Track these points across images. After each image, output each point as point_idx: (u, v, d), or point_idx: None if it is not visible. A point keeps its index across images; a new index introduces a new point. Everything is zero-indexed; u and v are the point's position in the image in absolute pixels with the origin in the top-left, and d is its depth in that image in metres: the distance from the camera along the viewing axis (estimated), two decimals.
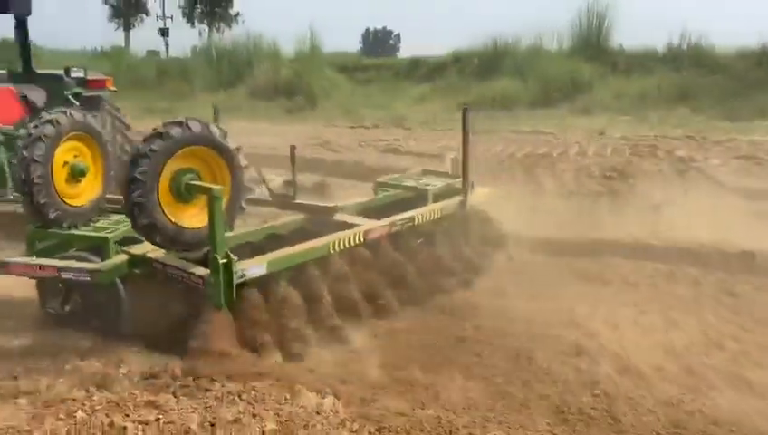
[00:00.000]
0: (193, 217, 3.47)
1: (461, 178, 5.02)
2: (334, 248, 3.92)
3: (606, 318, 4.15)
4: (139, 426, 2.74)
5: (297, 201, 4.56)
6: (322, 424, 2.80)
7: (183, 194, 3.41)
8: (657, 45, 18.68)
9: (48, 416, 2.80)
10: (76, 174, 4.06)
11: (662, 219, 6.38)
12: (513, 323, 4.03)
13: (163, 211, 3.33)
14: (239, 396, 2.99)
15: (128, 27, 40.35)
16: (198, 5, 40.83)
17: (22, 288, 4.06)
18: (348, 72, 21.71)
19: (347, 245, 3.99)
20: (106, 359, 3.38)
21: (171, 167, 3.34)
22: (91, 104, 5.75)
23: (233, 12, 41.46)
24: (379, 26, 56.51)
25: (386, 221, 4.36)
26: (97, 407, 2.89)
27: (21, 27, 6.07)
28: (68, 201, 4.00)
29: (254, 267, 3.44)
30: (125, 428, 2.72)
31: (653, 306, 4.40)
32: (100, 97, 5.93)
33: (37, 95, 5.56)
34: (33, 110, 5.34)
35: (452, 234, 4.87)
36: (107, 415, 2.81)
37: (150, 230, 3.34)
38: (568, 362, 3.51)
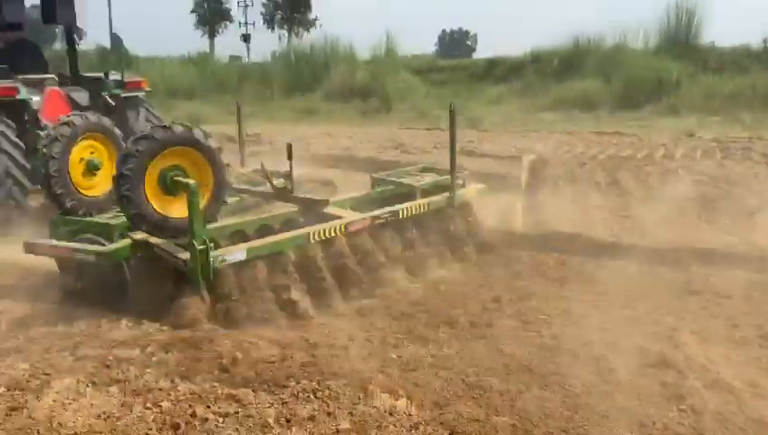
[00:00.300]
0: (179, 209, 3.88)
1: (450, 175, 5.24)
2: (314, 238, 4.25)
3: (694, 330, 3.92)
4: (220, 418, 2.84)
5: (294, 195, 4.87)
6: (395, 426, 2.79)
7: (170, 188, 3.87)
8: (752, 42, 17.54)
9: (136, 404, 2.95)
10: (91, 168, 4.65)
11: (758, 227, 5.97)
12: (594, 331, 3.88)
13: (149, 203, 3.79)
14: (314, 394, 3.03)
15: (212, 34, 42.18)
16: (279, 11, 42.07)
17: None
18: (423, 73, 21.72)
19: (327, 235, 4.31)
20: (186, 352, 3.53)
21: (158, 165, 3.82)
22: (128, 103, 6.28)
23: (311, 16, 42.50)
24: (456, 27, 56.22)
25: (368, 215, 4.63)
26: (181, 397, 3.02)
27: (68, 35, 6.54)
28: (84, 192, 4.62)
29: (235, 253, 3.89)
30: (206, 419, 2.82)
31: (746, 319, 4.11)
32: (137, 96, 6.39)
33: (81, 96, 6.04)
34: (77, 108, 5.78)
35: (440, 226, 5.15)
36: (190, 406, 2.92)
37: (138, 219, 3.83)
38: (652, 375, 3.34)
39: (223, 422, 2.81)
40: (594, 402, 3.06)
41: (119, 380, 3.19)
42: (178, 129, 3.89)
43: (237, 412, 2.87)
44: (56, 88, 5.95)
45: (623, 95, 16.20)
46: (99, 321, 3.97)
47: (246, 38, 39.79)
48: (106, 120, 4.87)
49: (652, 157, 9.81)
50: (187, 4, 43.29)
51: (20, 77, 5.72)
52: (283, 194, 4.92)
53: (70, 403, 2.93)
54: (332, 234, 4.35)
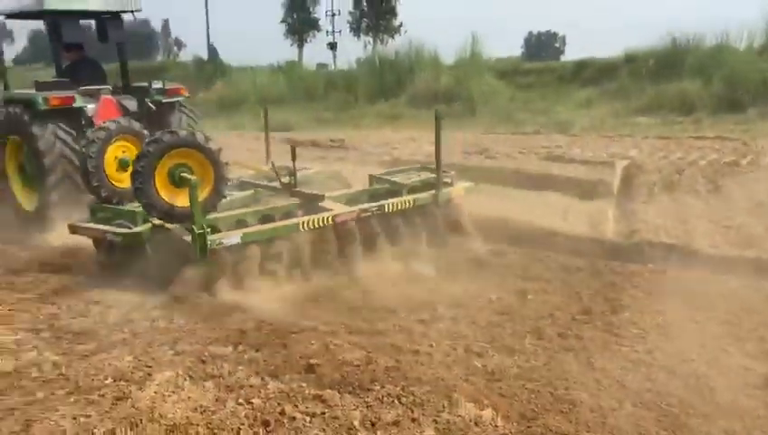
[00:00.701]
0: (184, 200, 4.47)
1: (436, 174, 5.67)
2: (304, 227, 4.80)
3: None
4: (307, 417, 2.91)
5: (296, 189, 5.44)
6: None
7: (178, 182, 4.48)
8: None
9: (229, 399, 3.08)
10: (123, 165, 5.56)
11: None
12: (693, 348, 3.66)
13: (159, 194, 4.45)
14: (398, 399, 3.05)
15: (301, 43, 43.46)
16: (365, 19, 42.75)
17: None
18: (508, 77, 21.34)
19: (316, 225, 4.84)
20: (275, 352, 3.64)
21: (167, 163, 4.48)
22: (168, 107, 7.02)
23: (396, 23, 42.82)
24: (543, 29, 54.88)
25: (356, 208, 5.15)
26: (270, 395, 3.12)
27: (120, 50, 7.30)
28: (117, 185, 5.52)
29: (231, 238, 4.50)
30: (294, 417, 2.90)
31: None
32: (177, 101, 7.11)
33: (130, 102, 6.82)
34: (126, 113, 6.58)
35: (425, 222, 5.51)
36: (278, 404, 3.02)
37: (149, 208, 4.54)
38: (757, 397, 3.11)
39: (310, 422, 2.88)
40: (693, 424, 2.88)
41: (213, 375, 3.35)
42: (183, 133, 4.62)
43: (324, 413, 2.93)
44: (109, 96, 6.72)
45: (725, 97, 15.19)
46: (196, 319, 4.19)
47: (333, 46, 40.66)
48: (136, 124, 5.79)
49: (757, 163, 9.13)
50: (277, 15, 44.88)
51: (81, 88, 6.52)
52: (288, 189, 5.47)
53: (169, 395, 3.10)
54: (321, 224, 4.87)
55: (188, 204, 4.38)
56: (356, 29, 43.14)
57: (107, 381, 3.27)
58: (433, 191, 5.60)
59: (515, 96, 19.37)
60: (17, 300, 4.59)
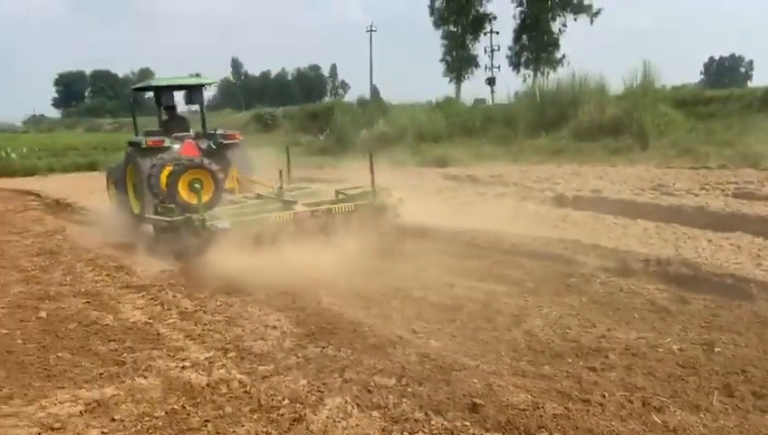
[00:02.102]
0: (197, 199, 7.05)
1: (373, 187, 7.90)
2: (275, 219, 7.09)
3: None
4: None
5: (283, 198, 7.67)
6: None
7: (193, 190, 7.11)
8: None
9: (395, 431, 3.15)
10: (193, 188, 7.22)
11: None
12: None
13: (181, 197, 7.25)
14: None
15: (459, 80, 44.18)
16: (525, 53, 42.43)
17: None
18: (686, 106, 19.75)
19: (283, 219, 7.12)
20: (438, 387, 3.65)
21: (186, 178, 7.32)
22: (228, 147, 9.33)
23: (558, 55, 41.93)
24: (726, 54, 50.21)
25: (311, 209, 7.43)
26: (434, 431, 3.14)
27: (201, 110, 10.14)
28: (187, 200, 7.28)
29: (223, 222, 6.72)
30: None
31: None
32: (234, 143, 9.42)
33: (204, 144, 9.28)
34: (201, 152, 8.94)
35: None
36: None
37: (176, 204, 7.27)
38: None
39: None
40: None
41: (379, 405, 3.45)
42: (197, 160, 7.68)
43: None
44: (191, 140, 9.30)
45: None
46: (361, 350, 4.36)
47: (491, 81, 40.84)
48: (204, 160, 7.83)
49: None
50: (437, 55, 46.12)
51: (173, 135, 9.17)
52: (279, 198, 7.71)
53: (339, 421, 3.25)
54: (287, 218, 7.15)
55: (192, 202, 7.13)
56: (515, 63, 42.95)
57: (284, 402, 3.52)
58: (370, 199, 7.84)
59: (695, 127, 17.82)
60: (209, 322, 5.12)
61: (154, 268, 6.98)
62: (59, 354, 4.43)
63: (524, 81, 40.18)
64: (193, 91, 9.77)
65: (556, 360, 4.09)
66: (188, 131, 9.52)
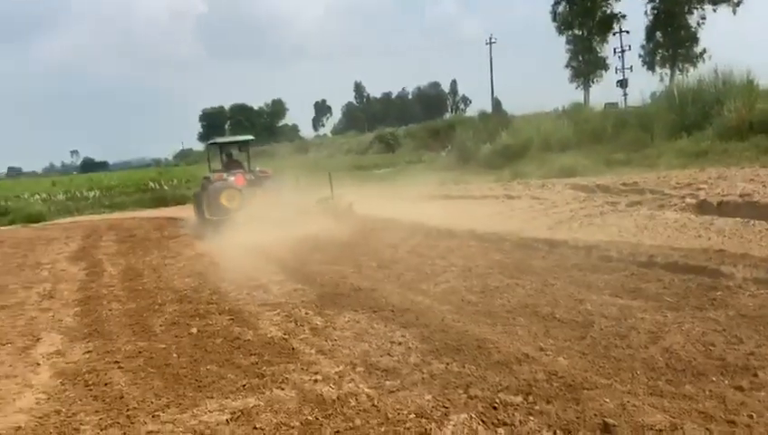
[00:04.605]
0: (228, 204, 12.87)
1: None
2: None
3: None
4: None
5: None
6: None
7: (230, 200, 12.81)
8: None
9: None
10: (230, 200, 12.63)
11: None
12: None
13: (223, 205, 12.77)
14: None
15: (587, 85, 42.43)
16: (659, 51, 39.88)
17: None
18: None
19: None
20: (567, 406, 3.54)
21: (225, 193, 12.91)
22: (263, 178, 13.88)
23: (697, 50, 38.93)
24: None
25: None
26: None
27: (247, 154, 15.35)
28: (227, 206, 12.62)
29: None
30: None
31: None
32: (265, 176, 14.01)
33: (249, 176, 13.92)
34: (246, 182, 13.68)
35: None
36: None
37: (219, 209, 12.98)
38: None
39: None
40: None
41: (505, 423, 3.42)
42: (230, 180, 13.43)
43: None
44: (241, 174, 13.94)
45: None
46: (486, 366, 4.33)
47: (623, 83, 38.74)
48: (233, 183, 13.31)
49: None
50: (562, 61, 44.70)
51: (231, 171, 14.03)
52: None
53: None
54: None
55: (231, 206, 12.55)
56: (649, 63, 40.48)
57: (410, 416, 3.60)
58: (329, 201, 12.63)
59: None
60: (338, 337, 5.36)
61: (288, 287, 7.42)
62: (208, 367, 4.86)
63: (661, 80, 37.70)
64: (241, 144, 15.54)
65: (698, 379, 3.81)
66: (240, 169, 14.34)
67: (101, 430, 3.87)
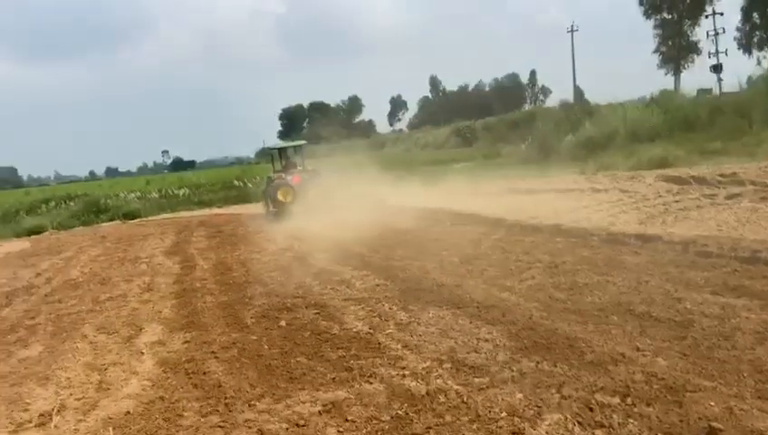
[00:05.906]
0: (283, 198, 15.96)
1: None
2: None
3: None
4: None
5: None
6: None
7: (285, 195, 15.89)
8: None
9: None
10: (285, 195, 15.72)
11: None
12: None
13: (279, 200, 15.79)
14: None
15: (677, 71, 40.22)
16: (756, 32, 37.21)
17: None
18: None
19: None
20: (669, 408, 3.37)
21: (281, 190, 15.85)
22: (313, 174, 16.24)
23: None
24: None
25: None
26: None
27: (301, 156, 17.59)
28: (283, 201, 15.70)
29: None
30: None
31: None
32: (315, 171, 16.46)
33: (303, 175, 16.17)
34: (301, 180, 15.93)
35: None
36: None
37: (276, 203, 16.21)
38: None
39: None
40: None
41: (602, 424, 3.31)
42: (285, 178, 16.18)
43: None
44: (297, 173, 16.32)
45: None
46: (579, 366, 4.20)
47: (717, 68, 36.35)
48: (289, 180, 15.97)
49: None
50: (650, 47, 42.57)
51: (289, 170, 16.57)
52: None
53: None
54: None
55: (286, 200, 15.60)
56: (745, 45, 37.84)
57: (502, 414, 3.55)
58: None
59: None
60: (423, 333, 5.36)
61: (370, 282, 7.51)
62: (298, 359, 5.00)
63: (758, 63, 35.17)
64: (297, 148, 17.95)
65: None
66: (296, 169, 16.88)
67: (202, 417, 4.07)
